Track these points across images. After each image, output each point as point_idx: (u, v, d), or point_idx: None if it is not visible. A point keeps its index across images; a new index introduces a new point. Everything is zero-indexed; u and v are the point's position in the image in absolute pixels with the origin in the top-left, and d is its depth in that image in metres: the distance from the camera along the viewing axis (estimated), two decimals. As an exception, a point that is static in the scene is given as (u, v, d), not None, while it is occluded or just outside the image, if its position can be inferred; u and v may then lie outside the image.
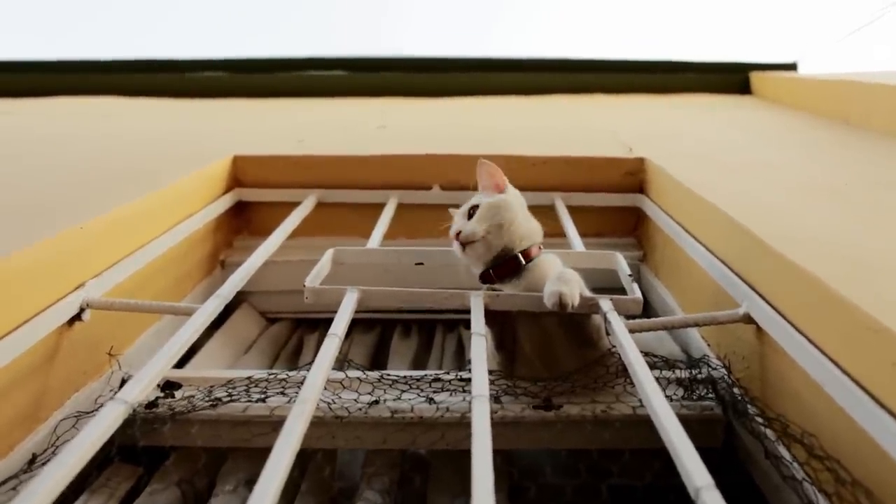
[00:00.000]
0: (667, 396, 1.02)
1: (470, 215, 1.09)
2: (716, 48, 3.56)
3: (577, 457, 1.02)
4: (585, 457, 0.99)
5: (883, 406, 0.69)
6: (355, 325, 1.72)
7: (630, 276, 1.11)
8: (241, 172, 1.74)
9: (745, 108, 2.87)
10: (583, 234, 1.42)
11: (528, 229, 1.11)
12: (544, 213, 1.17)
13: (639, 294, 1.04)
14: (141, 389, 0.79)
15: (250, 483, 1.04)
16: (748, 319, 1.01)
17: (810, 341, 0.84)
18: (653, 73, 3.32)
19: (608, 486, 0.97)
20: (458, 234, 1.05)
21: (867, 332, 0.73)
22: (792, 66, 3.25)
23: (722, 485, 0.60)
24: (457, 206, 1.18)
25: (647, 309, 1.56)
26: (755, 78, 3.22)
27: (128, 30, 3.72)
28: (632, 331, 0.96)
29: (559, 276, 0.97)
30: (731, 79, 3.28)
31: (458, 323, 1.71)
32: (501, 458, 1.05)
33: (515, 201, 1.12)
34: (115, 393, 1.05)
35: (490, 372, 0.93)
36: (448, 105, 2.97)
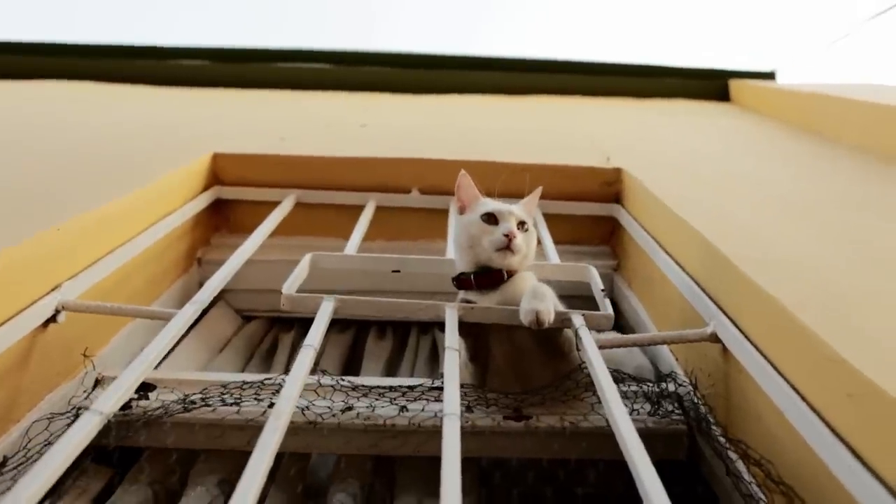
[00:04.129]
0: (634, 410, 1.06)
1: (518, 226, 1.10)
2: (697, 54, 3.60)
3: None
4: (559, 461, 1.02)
5: (838, 436, 0.71)
6: (330, 326, 1.72)
7: (602, 290, 1.13)
8: (221, 170, 1.74)
9: (724, 115, 2.91)
10: (558, 242, 1.44)
11: None
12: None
13: (610, 310, 1.06)
14: (116, 400, 0.79)
15: (222, 484, 1.06)
16: (715, 338, 1.04)
17: (772, 365, 0.87)
18: (633, 77, 3.35)
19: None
20: (513, 236, 1.06)
21: (825, 362, 0.75)
22: (770, 75, 3.30)
23: (685, 495, 0.62)
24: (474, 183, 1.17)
25: (619, 318, 1.59)
26: (734, 86, 3.26)
27: (109, 13, 3.67)
28: (602, 346, 0.98)
29: (534, 292, 0.98)
30: (710, 85, 3.32)
31: (432, 325, 1.72)
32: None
33: None
34: (89, 394, 1.06)
35: (462, 385, 0.94)
36: (430, 103, 2.98)
